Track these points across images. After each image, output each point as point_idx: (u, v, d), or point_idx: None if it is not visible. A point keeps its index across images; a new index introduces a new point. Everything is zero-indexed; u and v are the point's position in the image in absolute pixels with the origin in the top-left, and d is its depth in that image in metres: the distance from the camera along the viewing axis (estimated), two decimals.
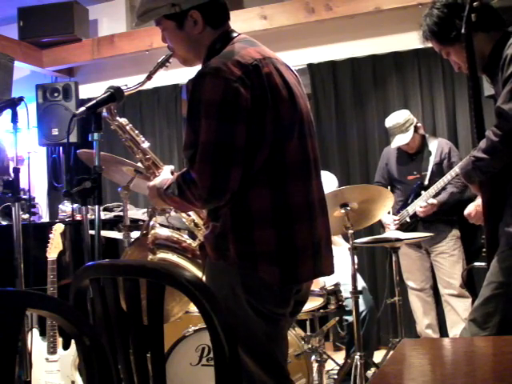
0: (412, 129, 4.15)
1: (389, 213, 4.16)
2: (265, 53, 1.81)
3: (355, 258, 3.27)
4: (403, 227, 4.17)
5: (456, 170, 3.96)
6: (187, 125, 1.77)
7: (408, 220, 4.19)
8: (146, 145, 2.13)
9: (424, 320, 4.27)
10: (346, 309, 3.37)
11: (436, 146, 4.23)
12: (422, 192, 4.14)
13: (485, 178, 2.13)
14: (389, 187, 4.26)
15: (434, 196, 4.09)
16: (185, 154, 1.78)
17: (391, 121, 4.22)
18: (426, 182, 4.16)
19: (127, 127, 2.13)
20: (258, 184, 1.74)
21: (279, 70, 1.80)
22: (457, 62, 2.27)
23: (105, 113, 2.05)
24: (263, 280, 1.73)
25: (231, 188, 1.70)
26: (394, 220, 4.21)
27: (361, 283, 3.61)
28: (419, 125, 4.24)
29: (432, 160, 4.20)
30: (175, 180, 1.80)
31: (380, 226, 4.30)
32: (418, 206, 4.11)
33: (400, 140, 4.16)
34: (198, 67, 1.83)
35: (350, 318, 3.53)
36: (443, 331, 4.29)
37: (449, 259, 4.14)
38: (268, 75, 1.75)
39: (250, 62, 1.73)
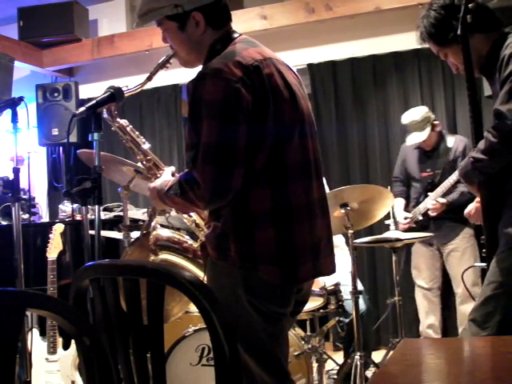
0: (429, 127, 4.07)
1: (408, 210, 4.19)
2: (266, 53, 1.81)
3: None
4: (417, 225, 4.15)
5: None
6: (189, 126, 1.77)
7: (420, 218, 4.16)
8: (146, 146, 2.13)
9: (426, 320, 4.26)
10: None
11: (452, 143, 4.18)
12: (430, 192, 4.11)
13: (483, 178, 2.13)
14: (402, 184, 4.30)
15: (445, 194, 4.03)
16: (187, 155, 1.78)
17: (408, 118, 4.13)
18: (437, 180, 4.14)
19: (128, 128, 2.13)
20: (258, 184, 1.74)
21: (280, 71, 1.80)
22: (454, 63, 2.27)
23: (105, 114, 2.05)
24: (264, 280, 1.74)
25: (233, 189, 1.71)
26: (406, 218, 4.19)
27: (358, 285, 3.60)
28: (436, 122, 4.16)
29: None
30: (177, 181, 1.80)
31: (382, 226, 4.27)
32: (428, 204, 4.08)
33: (415, 138, 4.09)
34: (199, 68, 1.83)
35: (346, 320, 3.54)
36: (447, 333, 4.27)
37: (460, 257, 4.10)
38: (269, 76, 1.75)
39: (251, 62, 1.73)
